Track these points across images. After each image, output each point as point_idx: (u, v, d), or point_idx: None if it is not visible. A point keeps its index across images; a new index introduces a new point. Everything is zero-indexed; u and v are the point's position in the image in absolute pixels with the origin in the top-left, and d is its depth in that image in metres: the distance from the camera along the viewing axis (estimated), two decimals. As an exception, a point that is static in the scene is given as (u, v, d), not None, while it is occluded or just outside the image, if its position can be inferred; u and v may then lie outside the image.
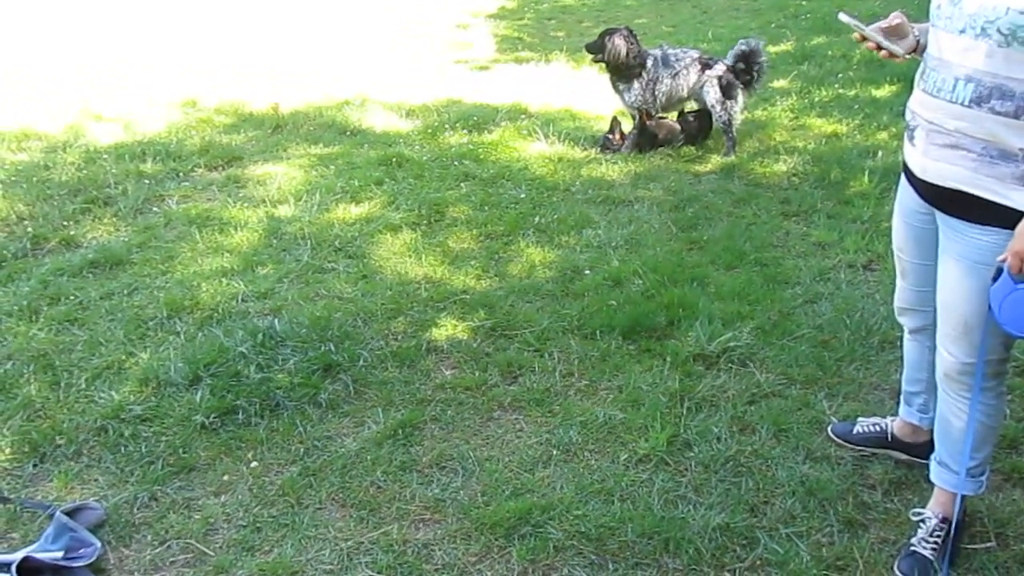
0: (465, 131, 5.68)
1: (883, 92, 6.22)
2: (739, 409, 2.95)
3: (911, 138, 2.16)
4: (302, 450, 2.82)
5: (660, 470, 2.69)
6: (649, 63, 5.26)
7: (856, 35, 2.19)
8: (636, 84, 5.25)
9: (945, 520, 2.35)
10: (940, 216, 2.16)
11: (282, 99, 6.36)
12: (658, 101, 5.32)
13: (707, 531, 2.44)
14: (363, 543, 2.45)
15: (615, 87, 5.39)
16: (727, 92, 5.23)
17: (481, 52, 8.31)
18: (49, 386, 3.15)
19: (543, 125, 5.75)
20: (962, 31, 1.94)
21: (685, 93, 5.33)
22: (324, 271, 3.95)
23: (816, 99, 6.20)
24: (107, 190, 4.86)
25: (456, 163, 5.15)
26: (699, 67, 5.30)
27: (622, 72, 5.28)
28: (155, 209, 4.67)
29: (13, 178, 5.02)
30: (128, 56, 8.04)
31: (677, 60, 5.30)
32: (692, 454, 2.75)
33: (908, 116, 2.18)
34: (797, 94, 6.32)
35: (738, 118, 5.32)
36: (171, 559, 2.43)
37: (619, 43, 5.22)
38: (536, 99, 6.35)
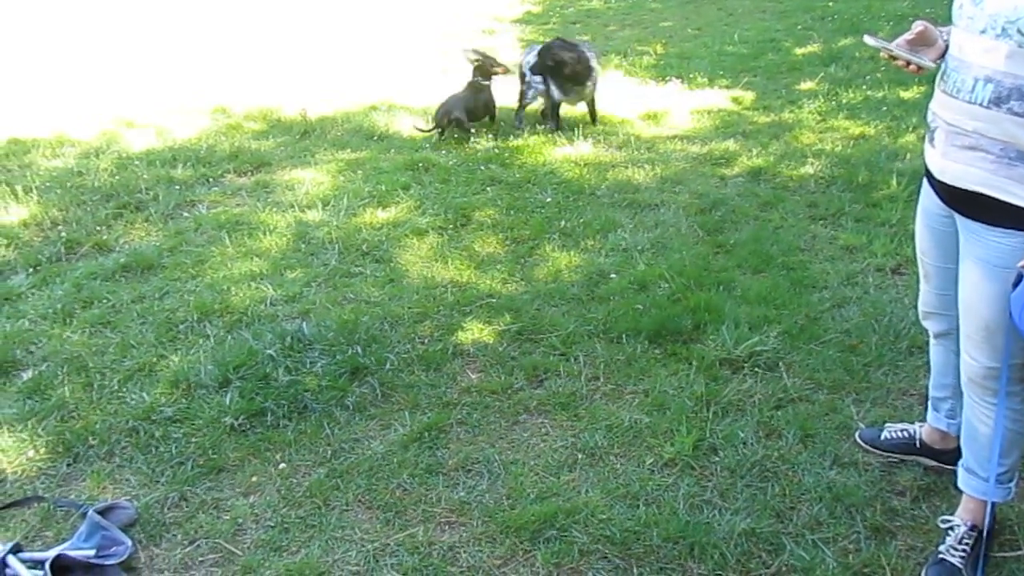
0: (491, 135, 5.70)
1: (911, 94, 6.17)
2: (765, 414, 2.94)
3: (931, 139, 2.15)
4: (329, 452, 2.85)
5: (685, 475, 2.69)
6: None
7: (884, 55, 2.17)
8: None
9: (974, 527, 2.32)
10: (959, 219, 2.15)
11: (310, 105, 6.41)
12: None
13: (732, 536, 2.43)
14: (389, 545, 2.47)
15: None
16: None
17: (507, 57, 8.32)
18: (82, 387, 3.20)
19: (568, 129, 5.77)
20: (983, 31, 1.93)
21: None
22: (352, 275, 3.99)
23: (843, 101, 6.15)
24: (139, 195, 4.93)
25: (482, 167, 5.17)
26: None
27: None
28: (186, 214, 4.74)
29: (48, 183, 5.12)
30: (159, 63, 8.15)
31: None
32: (718, 459, 2.75)
33: (929, 117, 2.17)
34: (824, 96, 6.28)
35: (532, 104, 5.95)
36: (200, 558, 2.47)
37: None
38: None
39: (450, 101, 5.72)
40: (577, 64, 5.59)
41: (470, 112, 5.73)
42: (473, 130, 5.74)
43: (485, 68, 5.79)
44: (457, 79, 6.01)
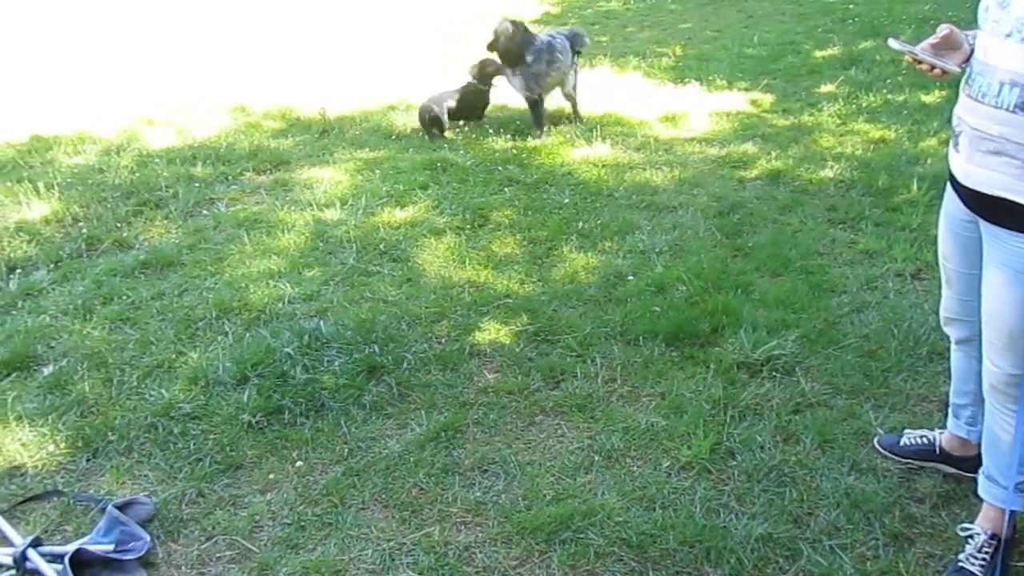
0: (509, 136, 5.70)
1: (932, 97, 6.12)
2: (783, 418, 2.92)
3: (956, 144, 2.14)
4: (346, 451, 2.86)
5: (702, 478, 2.68)
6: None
7: (908, 58, 2.15)
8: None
9: (994, 536, 2.30)
10: (983, 224, 2.13)
11: (328, 104, 6.44)
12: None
13: (749, 541, 2.42)
14: (405, 544, 2.48)
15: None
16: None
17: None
18: (102, 383, 3.23)
19: (587, 130, 5.76)
20: (1008, 35, 1.91)
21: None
22: (369, 274, 4.00)
23: (864, 104, 6.11)
24: (159, 193, 4.97)
25: (500, 168, 5.18)
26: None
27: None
28: (205, 212, 4.77)
29: (69, 180, 5.16)
30: (179, 61, 8.20)
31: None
32: (735, 463, 2.74)
33: (954, 122, 2.16)
34: (844, 99, 6.24)
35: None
36: (217, 555, 2.48)
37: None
38: (580, 104, 6.34)
39: (432, 99, 5.79)
40: (507, 42, 5.58)
41: (451, 112, 5.77)
42: (446, 127, 5.80)
43: (485, 70, 5.78)
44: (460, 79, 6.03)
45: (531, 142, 5.59)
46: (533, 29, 5.83)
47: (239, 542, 2.52)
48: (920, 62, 2.12)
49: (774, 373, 3.16)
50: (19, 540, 2.46)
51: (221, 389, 3.15)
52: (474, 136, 5.77)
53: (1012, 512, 2.28)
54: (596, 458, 2.79)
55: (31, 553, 2.40)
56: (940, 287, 2.49)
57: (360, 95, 6.83)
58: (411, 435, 2.92)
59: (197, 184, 5.10)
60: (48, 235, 4.49)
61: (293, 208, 4.73)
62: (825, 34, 8.40)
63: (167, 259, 4.17)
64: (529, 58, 5.57)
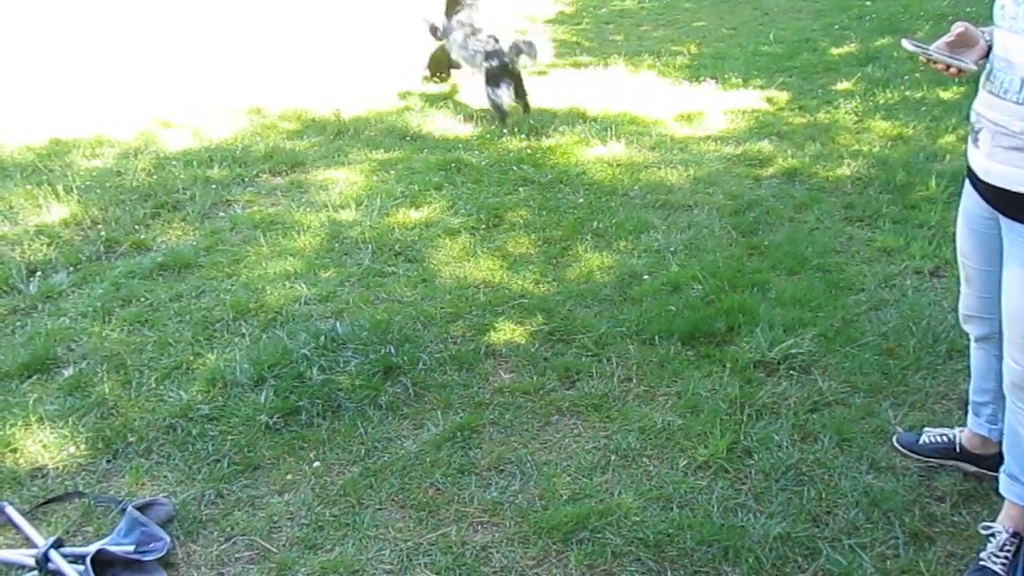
0: (523, 136, 5.71)
1: (950, 94, 6.08)
2: (801, 417, 2.91)
3: (975, 140, 2.12)
4: (363, 451, 2.87)
5: (720, 477, 2.67)
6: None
7: (922, 58, 2.13)
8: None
9: (1016, 534, 2.29)
10: (1004, 220, 2.11)
11: (343, 105, 6.46)
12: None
13: (767, 540, 2.41)
14: (422, 544, 2.49)
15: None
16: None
17: (539, 57, 8.30)
18: (121, 385, 3.25)
19: (601, 130, 5.76)
20: None
21: None
22: (384, 274, 4.01)
23: (881, 101, 6.08)
24: (176, 195, 5.00)
25: (514, 168, 5.18)
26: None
27: None
28: (222, 214, 4.79)
29: (87, 183, 5.20)
30: (196, 64, 8.24)
31: None
32: (752, 462, 2.73)
33: (973, 118, 2.14)
34: (861, 96, 6.20)
35: None
36: (236, 555, 2.49)
37: None
38: (594, 103, 6.35)
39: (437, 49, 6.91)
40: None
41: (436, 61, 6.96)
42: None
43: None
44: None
45: (545, 142, 5.59)
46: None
47: (258, 542, 2.53)
48: (935, 62, 2.10)
49: (791, 372, 3.15)
50: (41, 541, 2.49)
51: (238, 390, 3.17)
52: (488, 136, 5.78)
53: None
54: (612, 458, 2.79)
55: (53, 554, 2.42)
56: (959, 284, 2.47)
57: (374, 96, 6.84)
58: (427, 435, 2.92)
59: (214, 186, 5.12)
60: (67, 238, 4.53)
61: (309, 209, 4.75)
62: (841, 31, 8.35)
63: (184, 261, 4.19)
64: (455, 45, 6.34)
